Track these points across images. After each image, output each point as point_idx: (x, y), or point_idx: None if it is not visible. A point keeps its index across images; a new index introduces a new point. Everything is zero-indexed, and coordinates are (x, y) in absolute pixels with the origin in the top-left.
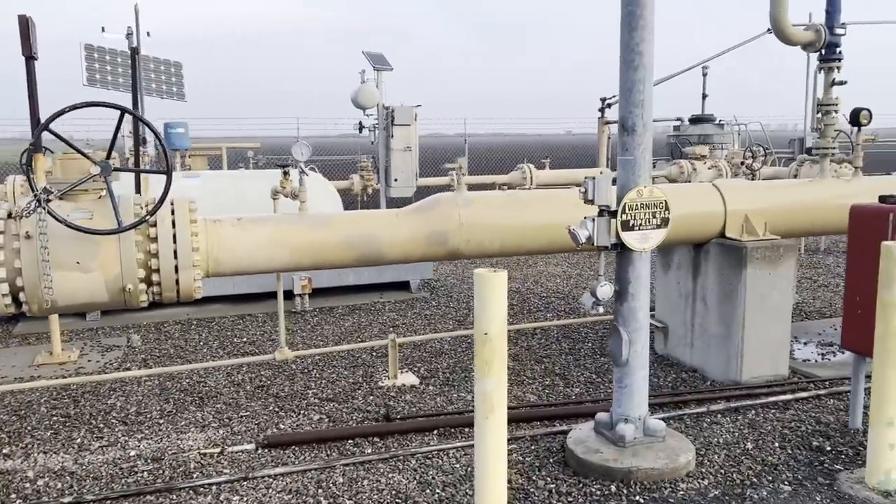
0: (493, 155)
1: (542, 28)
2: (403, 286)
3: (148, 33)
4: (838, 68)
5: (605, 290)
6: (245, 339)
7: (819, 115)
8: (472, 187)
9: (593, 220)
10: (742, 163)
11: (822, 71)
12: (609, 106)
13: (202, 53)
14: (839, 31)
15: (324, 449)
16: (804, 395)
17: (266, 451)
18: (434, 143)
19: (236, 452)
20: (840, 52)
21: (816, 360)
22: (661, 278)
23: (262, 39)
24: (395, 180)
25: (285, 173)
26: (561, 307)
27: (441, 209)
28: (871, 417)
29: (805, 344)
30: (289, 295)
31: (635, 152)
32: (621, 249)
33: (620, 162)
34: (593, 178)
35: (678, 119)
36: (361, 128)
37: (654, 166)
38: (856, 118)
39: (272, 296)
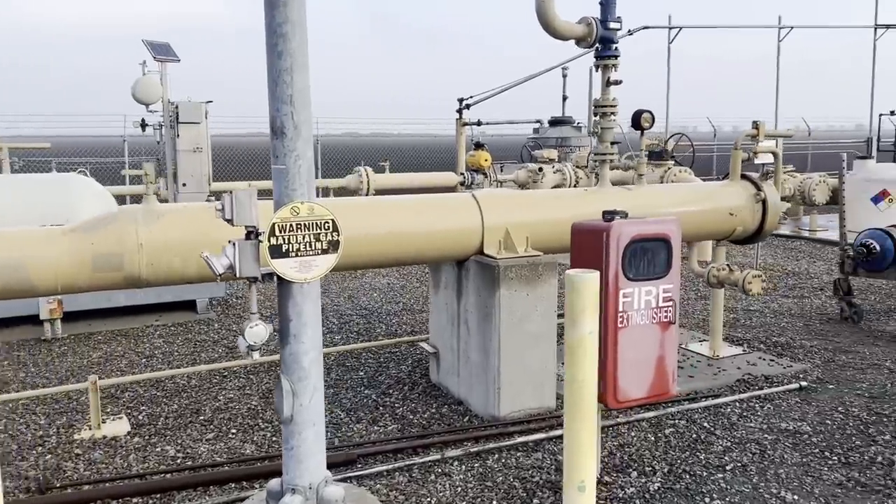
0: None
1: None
2: (190, 306)
3: None
4: (615, 66)
5: (258, 331)
6: None
7: (596, 117)
8: None
9: (234, 244)
10: (586, 165)
11: (598, 69)
12: (468, 107)
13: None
14: (613, 25)
15: None
16: (560, 432)
17: None
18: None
19: None
20: (616, 49)
21: None
22: (433, 298)
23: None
24: (184, 185)
25: None
26: (366, 327)
27: (115, 227)
28: (564, 479)
29: None
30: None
31: (287, 160)
32: (280, 281)
33: (273, 172)
34: (230, 192)
35: (537, 121)
36: (144, 126)
37: (501, 170)
38: (637, 122)
39: (14, 321)
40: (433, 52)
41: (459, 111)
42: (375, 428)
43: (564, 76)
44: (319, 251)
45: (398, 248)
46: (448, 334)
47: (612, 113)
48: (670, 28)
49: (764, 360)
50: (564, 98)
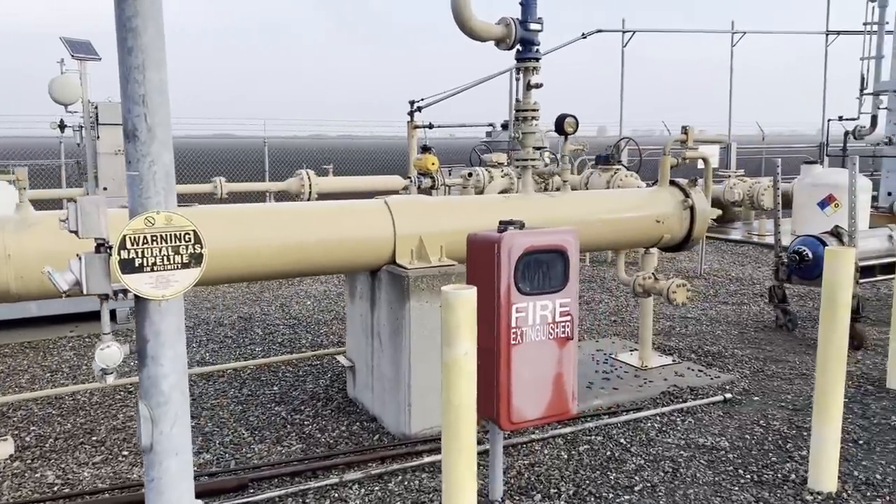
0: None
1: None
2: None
3: None
4: (535, 69)
5: (110, 353)
6: None
7: (517, 122)
8: (237, 197)
9: (81, 258)
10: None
11: (519, 72)
12: (420, 109)
13: None
14: (534, 26)
15: None
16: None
17: None
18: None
19: None
20: (537, 51)
21: None
22: (349, 308)
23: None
24: (105, 189)
25: None
26: (292, 337)
27: None
28: None
29: None
30: None
31: (140, 165)
32: (136, 298)
33: (126, 179)
34: (75, 200)
35: (490, 125)
36: (63, 127)
37: (450, 174)
38: (560, 126)
39: None
40: (410, 51)
41: (411, 113)
42: (278, 448)
43: (517, 79)
44: (179, 265)
45: (300, 258)
46: (363, 347)
47: (534, 117)
48: (624, 32)
49: (692, 370)
50: (517, 101)
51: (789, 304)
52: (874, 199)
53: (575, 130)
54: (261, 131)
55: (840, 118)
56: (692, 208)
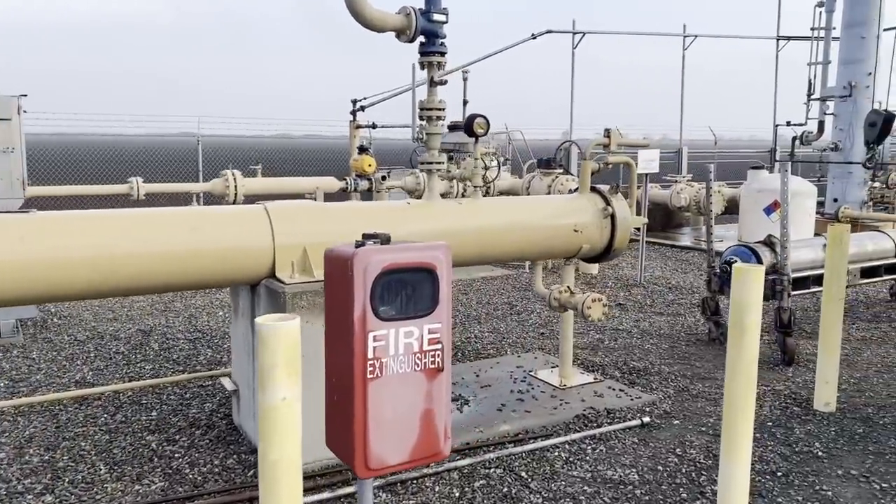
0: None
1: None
2: None
3: None
4: (440, 64)
5: None
6: None
7: (422, 121)
8: (157, 199)
9: None
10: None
11: (423, 67)
12: (363, 108)
13: None
14: (438, 17)
15: None
16: (352, 489)
17: None
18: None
19: None
20: (443, 45)
21: None
22: (233, 326)
23: None
24: None
25: None
26: (190, 353)
27: None
28: None
29: None
30: None
31: None
32: None
33: None
34: None
35: None
36: None
37: (388, 176)
38: (469, 128)
39: None
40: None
41: (353, 112)
42: (136, 488)
43: (465, 79)
44: None
45: (151, 271)
46: (246, 369)
47: (439, 117)
48: (574, 33)
49: (613, 390)
50: (465, 102)
51: (722, 317)
52: (821, 204)
53: (486, 132)
54: (194, 128)
55: (788, 123)
56: (613, 216)
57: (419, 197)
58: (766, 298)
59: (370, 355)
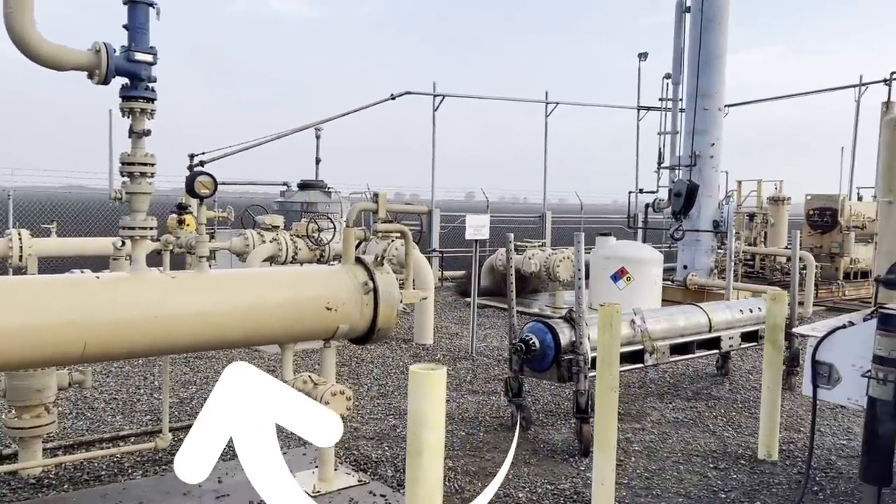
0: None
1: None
2: None
3: None
4: (146, 112)
5: None
6: None
7: (124, 178)
8: None
9: None
10: (307, 234)
11: (125, 114)
12: (202, 164)
13: None
14: (142, 56)
15: None
16: None
17: None
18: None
19: None
20: (150, 90)
21: None
22: None
23: None
24: None
25: None
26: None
27: None
28: None
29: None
30: None
31: None
32: None
33: None
34: None
35: (284, 184)
36: None
37: (213, 238)
38: (191, 188)
39: None
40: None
41: (191, 167)
42: None
43: (318, 136)
44: None
45: None
46: None
47: (143, 173)
48: (434, 95)
49: (374, 495)
50: (318, 160)
51: (524, 399)
52: (672, 271)
53: (212, 193)
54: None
55: (641, 191)
56: (376, 291)
57: (245, 261)
58: (562, 380)
59: None
